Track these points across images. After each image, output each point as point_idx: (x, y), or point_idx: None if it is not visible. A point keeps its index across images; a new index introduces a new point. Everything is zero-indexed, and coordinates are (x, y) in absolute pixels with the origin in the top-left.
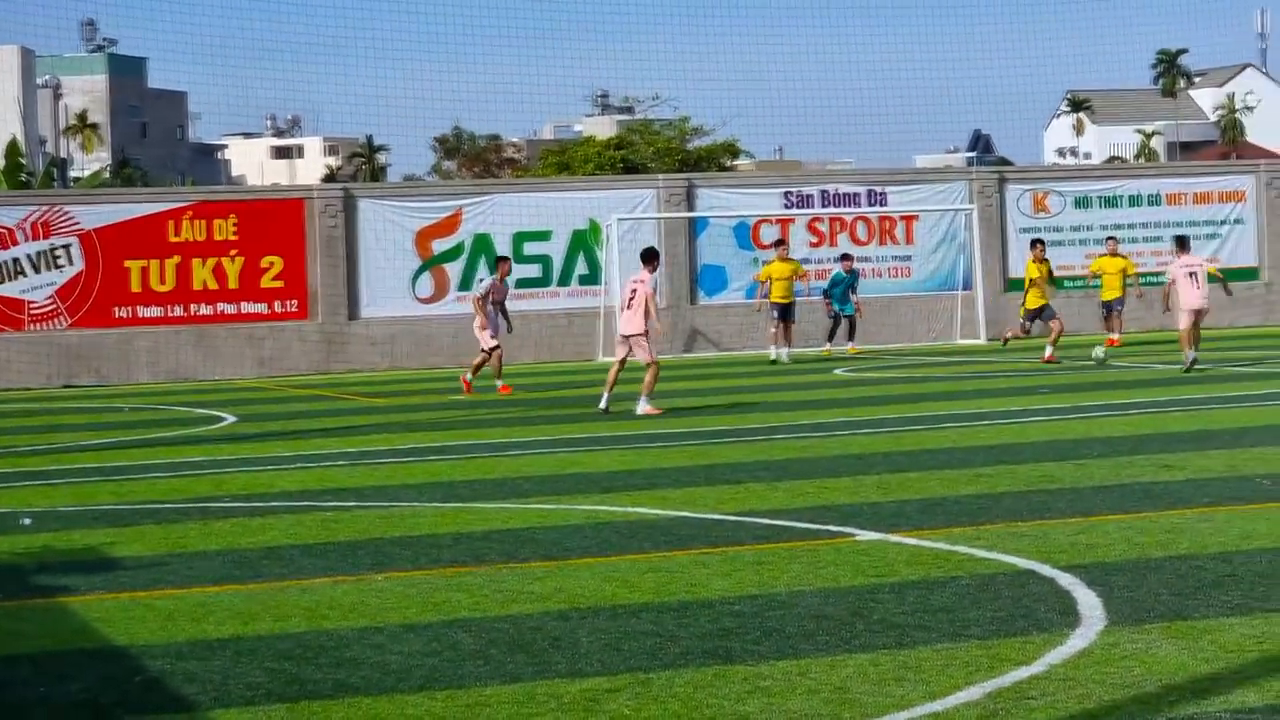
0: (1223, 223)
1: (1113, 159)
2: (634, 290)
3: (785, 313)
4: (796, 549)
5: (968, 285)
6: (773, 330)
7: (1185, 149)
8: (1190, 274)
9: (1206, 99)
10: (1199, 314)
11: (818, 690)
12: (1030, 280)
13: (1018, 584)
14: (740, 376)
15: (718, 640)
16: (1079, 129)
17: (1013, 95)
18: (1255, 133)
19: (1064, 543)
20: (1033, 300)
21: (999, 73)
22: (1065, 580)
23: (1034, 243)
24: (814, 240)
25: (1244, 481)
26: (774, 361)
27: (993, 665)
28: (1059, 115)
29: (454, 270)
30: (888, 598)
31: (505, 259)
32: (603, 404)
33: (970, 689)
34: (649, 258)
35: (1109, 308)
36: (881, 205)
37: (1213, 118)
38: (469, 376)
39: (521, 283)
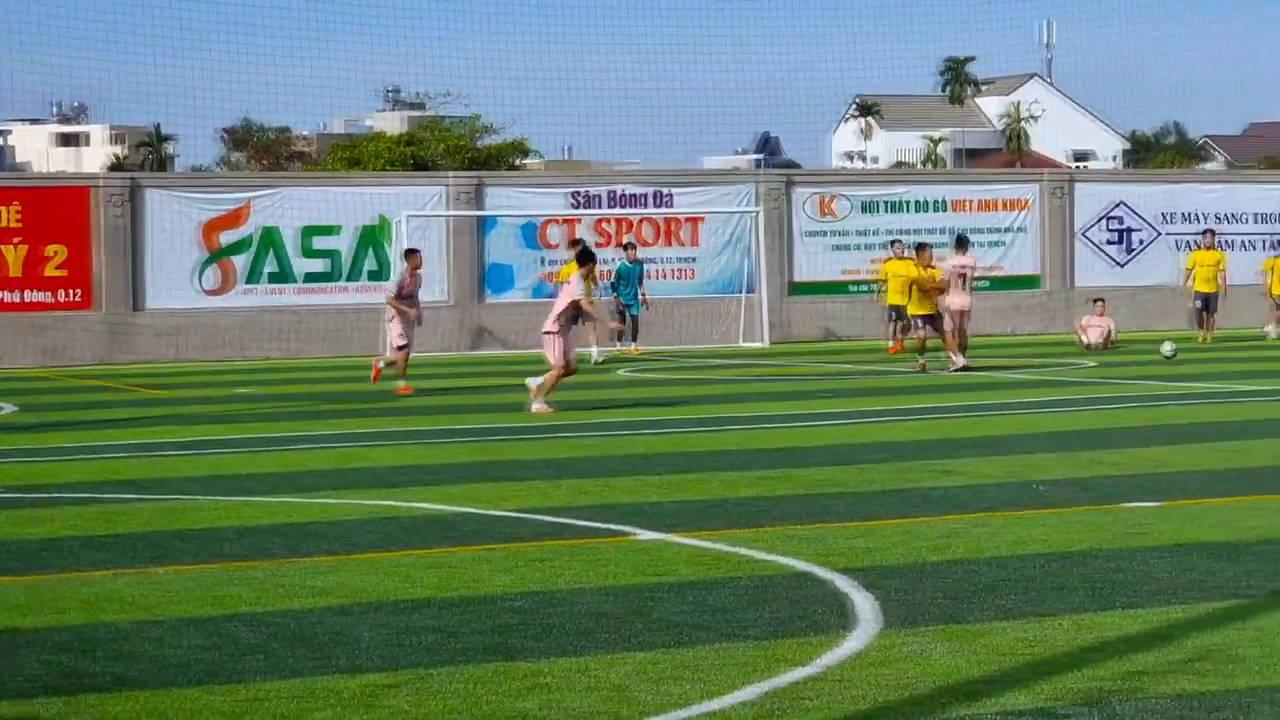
0: (1006, 230)
1: (899, 164)
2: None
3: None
4: (578, 547)
5: (752, 288)
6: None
7: (971, 156)
8: (960, 275)
9: (993, 107)
10: (963, 315)
11: (596, 688)
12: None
13: (795, 586)
14: (525, 375)
15: (498, 637)
16: (866, 133)
17: (801, 99)
18: (1039, 142)
19: (842, 546)
20: (915, 307)
21: (787, 76)
22: (843, 583)
23: (919, 248)
24: (600, 240)
25: (1021, 487)
26: (600, 362)
27: (769, 666)
28: (847, 119)
29: (241, 263)
30: (667, 597)
31: (415, 251)
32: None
33: (747, 689)
34: (583, 259)
35: (897, 312)
36: (668, 206)
37: (998, 126)
38: (380, 364)
39: (309, 277)
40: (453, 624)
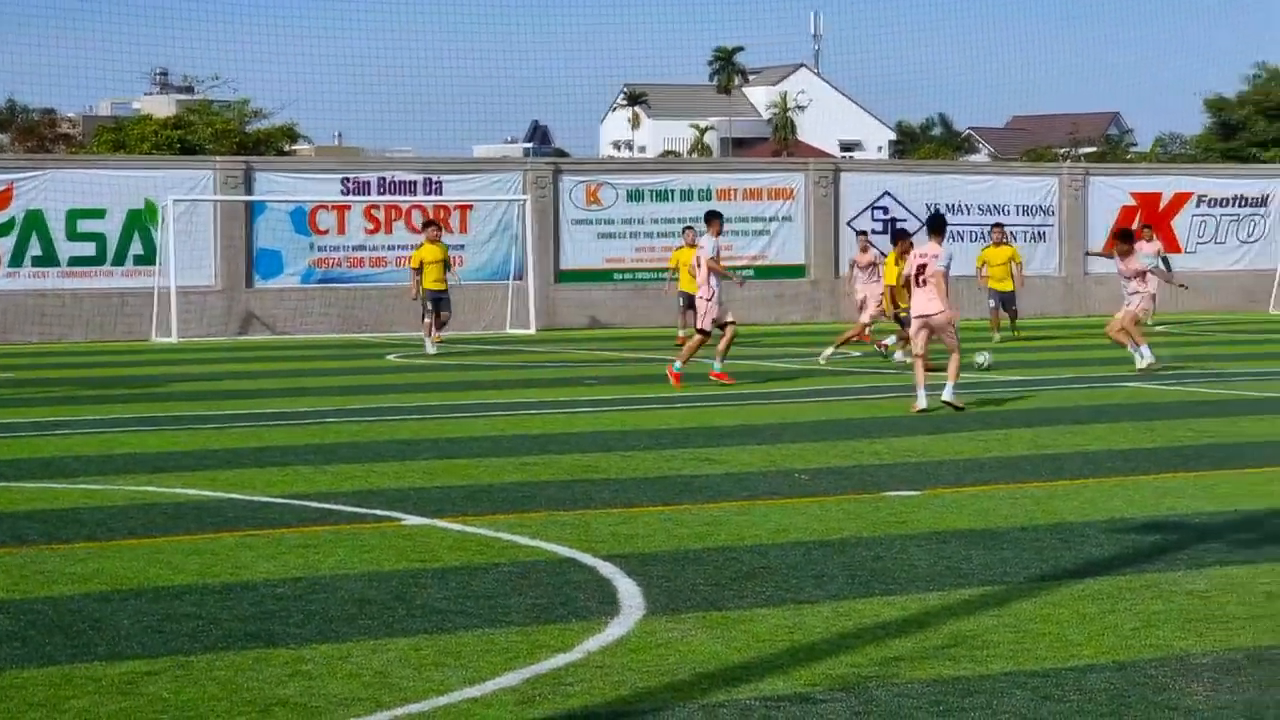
0: (772, 219)
1: (667, 153)
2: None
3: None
4: (342, 532)
5: (520, 275)
6: (426, 321)
7: (739, 145)
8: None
9: (761, 97)
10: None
11: (358, 674)
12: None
13: (559, 572)
14: (293, 360)
15: (260, 623)
16: (635, 122)
17: (573, 87)
18: (807, 132)
19: (605, 532)
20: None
21: (558, 64)
22: (606, 569)
23: (900, 235)
24: (370, 227)
25: (782, 476)
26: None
27: (532, 652)
28: (616, 108)
29: (4, 245)
30: (430, 583)
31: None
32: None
33: (509, 675)
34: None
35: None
36: (438, 194)
37: (766, 115)
38: None
39: (74, 260)
40: (214, 611)
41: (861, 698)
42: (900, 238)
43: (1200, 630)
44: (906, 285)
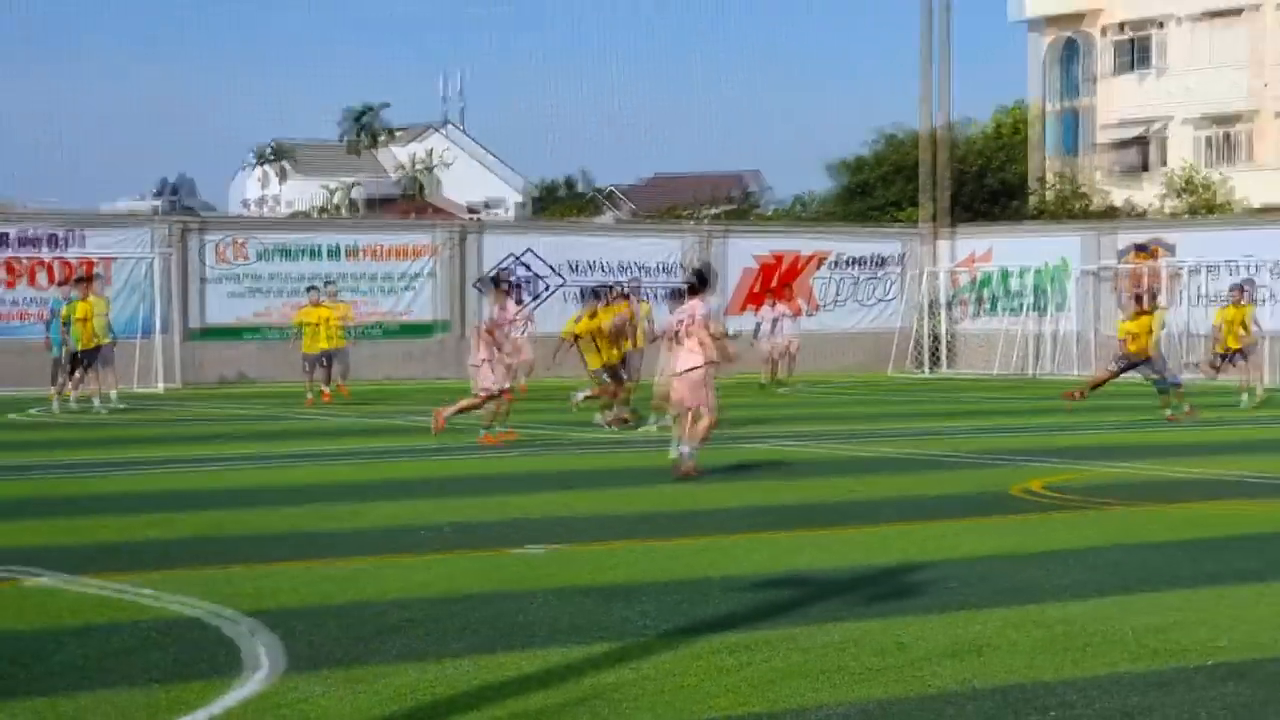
0: (404, 277)
1: (302, 212)
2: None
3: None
4: None
5: (147, 332)
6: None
7: (378, 204)
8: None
9: (402, 155)
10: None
11: None
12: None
13: (197, 628)
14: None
15: None
16: (275, 179)
17: (209, 143)
18: (448, 190)
19: (247, 588)
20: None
21: (196, 119)
22: (245, 625)
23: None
24: (9, 280)
25: (429, 529)
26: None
27: (168, 709)
28: (254, 165)
29: None
30: (68, 640)
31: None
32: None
33: None
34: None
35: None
36: (81, 247)
37: (406, 174)
38: None
39: None
40: None
41: None
42: (592, 297)
43: (833, 681)
44: (665, 340)
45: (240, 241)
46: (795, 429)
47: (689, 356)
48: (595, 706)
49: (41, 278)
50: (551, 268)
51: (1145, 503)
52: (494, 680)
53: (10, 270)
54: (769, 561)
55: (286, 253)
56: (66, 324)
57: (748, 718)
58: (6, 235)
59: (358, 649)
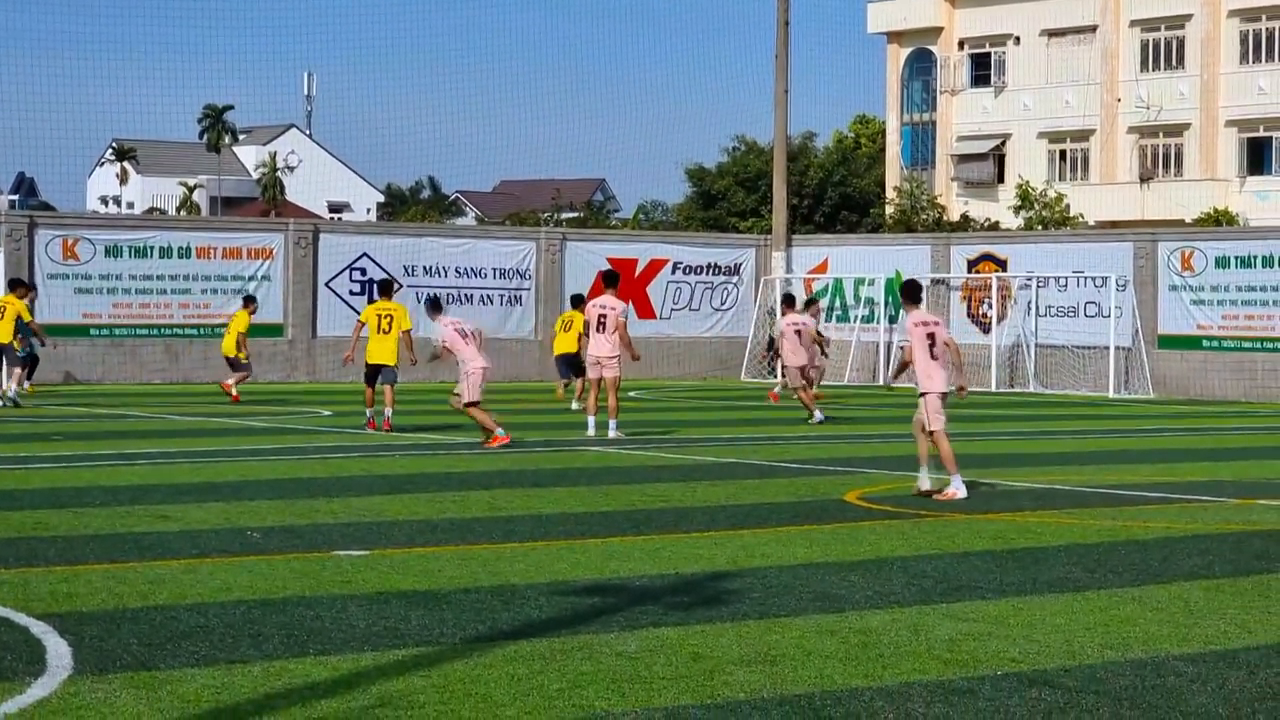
0: (251, 279)
1: (153, 210)
2: (602, 314)
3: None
4: None
5: None
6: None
7: (228, 204)
8: (796, 331)
9: (251, 156)
10: (802, 371)
11: None
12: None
13: None
14: None
15: None
16: (123, 178)
17: (59, 140)
18: (298, 193)
19: (44, 591)
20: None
21: (46, 116)
22: (38, 629)
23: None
24: None
25: (235, 533)
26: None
27: None
28: (104, 163)
29: None
30: None
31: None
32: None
33: None
34: (613, 281)
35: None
36: None
37: (256, 175)
38: None
39: None
40: None
41: None
42: (576, 303)
43: (624, 691)
44: (587, 332)
45: (75, 240)
46: (632, 434)
47: (603, 344)
48: (381, 714)
49: None
50: (387, 273)
51: (960, 513)
52: (281, 687)
53: None
54: (580, 568)
55: (137, 250)
56: None
57: None
58: None
59: (149, 654)
